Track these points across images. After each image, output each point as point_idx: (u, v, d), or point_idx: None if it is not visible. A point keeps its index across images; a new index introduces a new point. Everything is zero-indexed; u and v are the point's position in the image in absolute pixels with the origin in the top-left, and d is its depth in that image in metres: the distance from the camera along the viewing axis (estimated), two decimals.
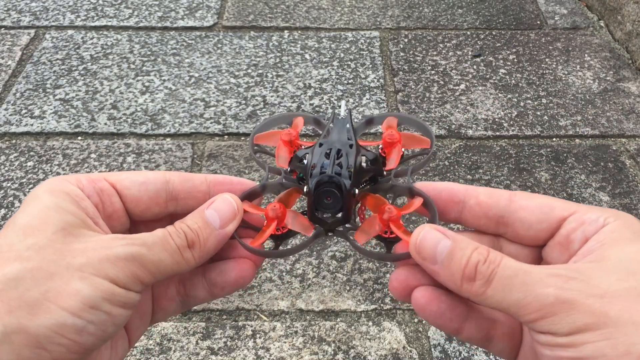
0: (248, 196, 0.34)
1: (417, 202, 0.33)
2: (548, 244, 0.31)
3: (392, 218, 0.32)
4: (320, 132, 0.36)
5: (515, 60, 1.31)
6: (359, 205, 0.35)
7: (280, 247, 0.34)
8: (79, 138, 1.11)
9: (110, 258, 0.27)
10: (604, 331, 0.25)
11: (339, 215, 0.33)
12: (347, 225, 0.34)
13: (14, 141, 1.10)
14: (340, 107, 0.38)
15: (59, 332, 0.25)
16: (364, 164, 0.34)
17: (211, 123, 1.14)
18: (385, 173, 0.35)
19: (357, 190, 0.33)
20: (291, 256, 0.90)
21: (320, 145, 0.34)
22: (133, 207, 0.32)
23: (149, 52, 1.31)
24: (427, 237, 0.29)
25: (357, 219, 0.35)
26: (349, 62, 1.30)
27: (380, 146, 0.36)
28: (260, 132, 0.38)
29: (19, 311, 0.25)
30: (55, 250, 0.27)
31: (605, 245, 0.28)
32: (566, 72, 1.28)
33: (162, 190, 0.32)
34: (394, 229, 0.32)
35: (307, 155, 0.34)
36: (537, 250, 0.32)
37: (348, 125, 0.35)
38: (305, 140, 0.38)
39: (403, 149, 0.36)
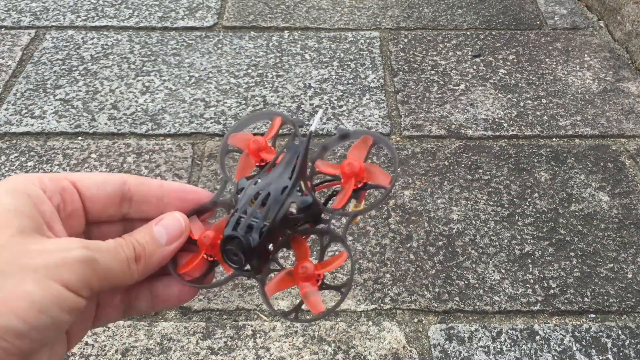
0: (197, 212, 0.34)
1: (340, 259, 0.32)
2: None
3: (308, 276, 0.31)
4: (297, 135, 0.35)
5: (515, 60, 1.32)
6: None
7: (215, 276, 0.35)
8: (80, 138, 1.11)
9: (68, 261, 0.27)
10: None
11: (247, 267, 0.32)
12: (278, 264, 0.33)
13: (14, 141, 1.10)
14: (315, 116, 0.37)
15: (1, 335, 0.26)
16: (293, 210, 0.32)
17: (211, 123, 1.14)
18: (324, 215, 0.34)
19: (271, 246, 0.32)
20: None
21: (257, 182, 0.33)
22: (91, 206, 0.33)
23: (149, 52, 1.31)
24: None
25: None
26: (349, 62, 1.30)
27: (339, 174, 0.35)
28: (237, 131, 0.36)
29: None
30: (13, 251, 0.27)
31: None
32: (566, 72, 1.28)
33: (119, 190, 0.33)
34: (300, 289, 0.31)
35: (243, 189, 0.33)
36: None
37: (298, 158, 0.33)
38: (275, 149, 0.36)
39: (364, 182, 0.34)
